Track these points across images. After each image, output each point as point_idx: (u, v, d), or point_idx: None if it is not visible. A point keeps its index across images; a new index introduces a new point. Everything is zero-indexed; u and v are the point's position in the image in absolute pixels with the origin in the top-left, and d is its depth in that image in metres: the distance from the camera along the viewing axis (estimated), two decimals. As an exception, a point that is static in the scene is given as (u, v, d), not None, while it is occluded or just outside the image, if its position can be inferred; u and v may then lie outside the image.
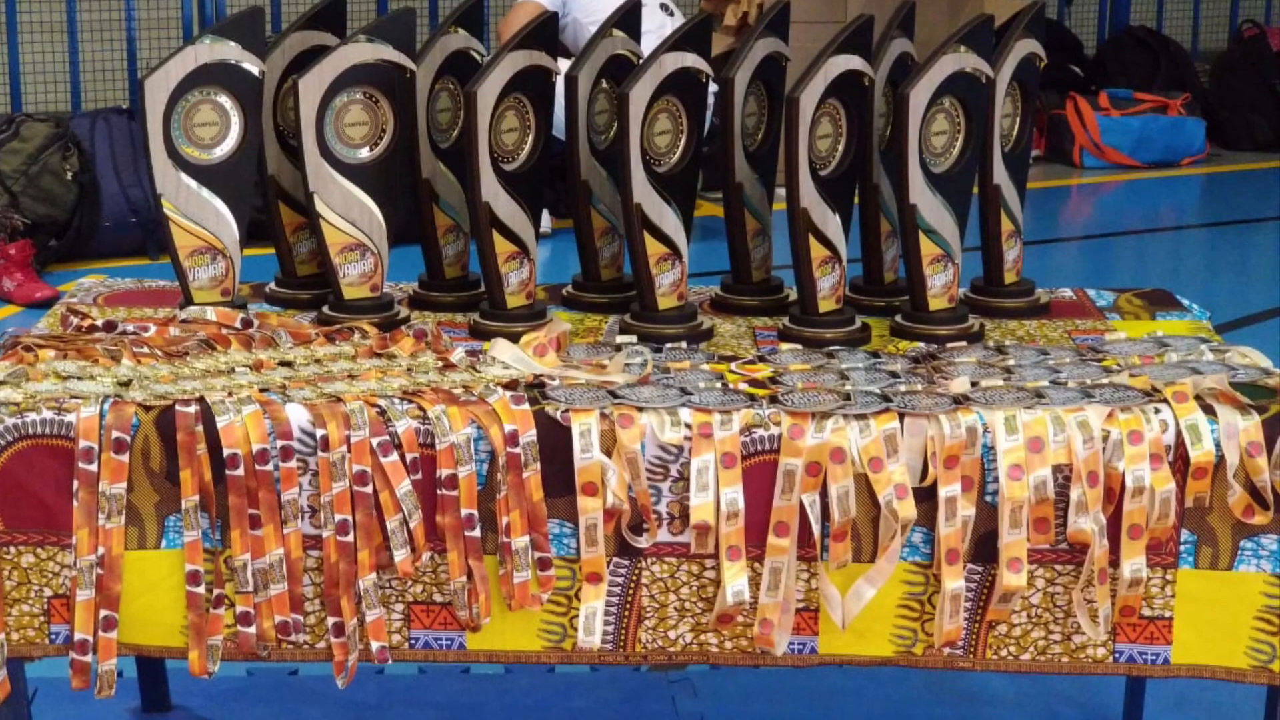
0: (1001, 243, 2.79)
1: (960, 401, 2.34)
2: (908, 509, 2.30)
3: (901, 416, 2.32)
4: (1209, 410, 2.34)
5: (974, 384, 2.41)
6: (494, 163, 2.60)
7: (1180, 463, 2.32)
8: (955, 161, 2.66)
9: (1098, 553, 2.32)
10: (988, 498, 2.33)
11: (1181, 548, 2.35)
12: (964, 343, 2.64)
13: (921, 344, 2.64)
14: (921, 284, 2.67)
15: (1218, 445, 2.32)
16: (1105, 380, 2.43)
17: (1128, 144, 8.85)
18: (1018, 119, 2.80)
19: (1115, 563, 2.33)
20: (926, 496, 2.32)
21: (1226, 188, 8.63)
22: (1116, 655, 2.39)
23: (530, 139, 2.69)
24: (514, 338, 2.54)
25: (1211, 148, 9.17)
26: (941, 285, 2.68)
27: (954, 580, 2.33)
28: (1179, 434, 2.32)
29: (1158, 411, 2.34)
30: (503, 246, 2.64)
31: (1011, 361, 2.53)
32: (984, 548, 2.34)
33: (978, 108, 2.66)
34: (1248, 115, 9.40)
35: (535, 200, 2.68)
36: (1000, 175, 2.75)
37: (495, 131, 2.61)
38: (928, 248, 2.65)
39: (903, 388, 2.40)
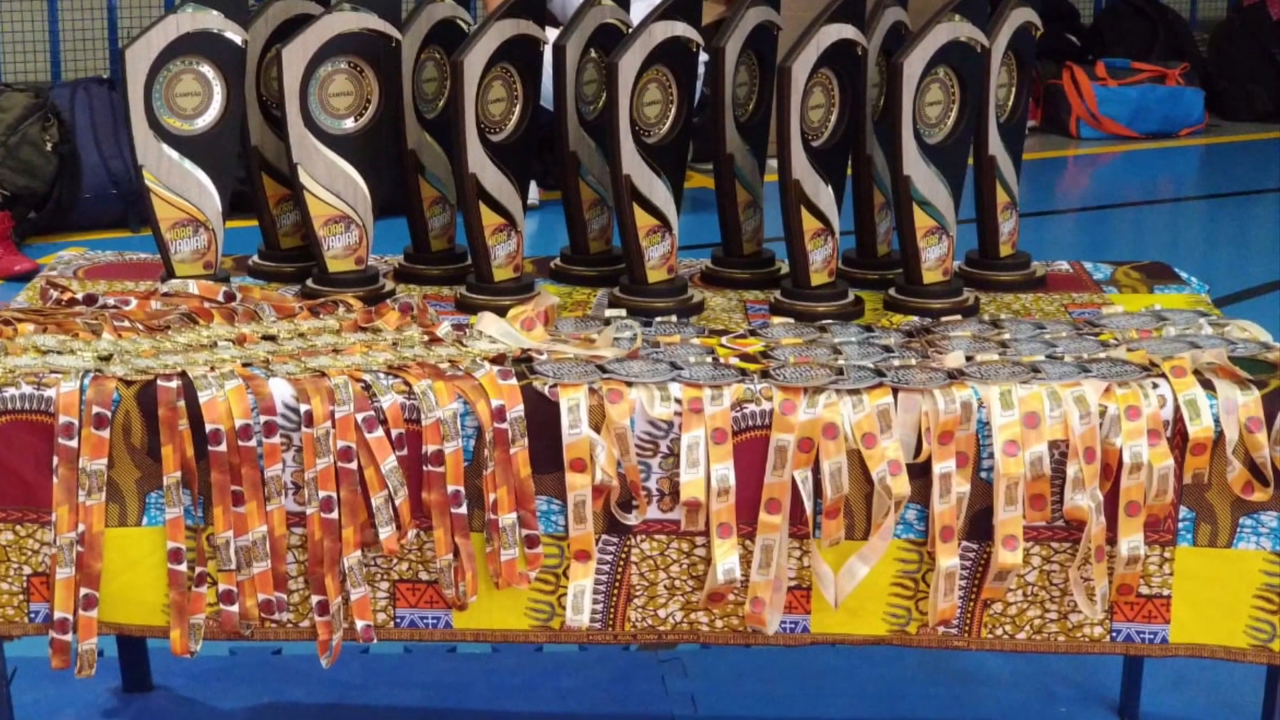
0: (997, 215, 2.78)
1: (955, 376, 2.32)
2: (901, 485, 2.28)
3: (895, 391, 2.29)
4: (1208, 385, 2.32)
5: (969, 358, 2.39)
6: (481, 133, 2.58)
7: (1179, 438, 2.30)
8: (950, 132, 2.64)
9: (1094, 530, 2.30)
10: (983, 474, 2.31)
11: (1180, 525, 2.33)
12: (959, 316, 2.62)
13: (915, 318, 2.62)
14: (915, 257, 2.64)
15: (1216, 421, 2.29)
16: (1102, 355, 2.41)
17: (1125, 114, 8.82)
18: (1013, 89, 2.78)
19: (1112, 540, 2.32)
20: (920, 473, 2.30)
21: (1225, 159, 8.60)
22: (1114, 634, 2.38)
23: (518, 109, 2.67)
24: (501, 311, 2.52)
25: (1210, 118, 9.13)
26: (936, 258, 2.65)
27: (948, 558, 2.31)
28: (1177, 409, 2.30)
29: (1155, 386, 2.31)
30: (490, 218, 2.61)
31: (1007, 335, 2.50)
32: (979, 525, 2.32)
33: (973, 78, 2.64)
34: (1247, 85, 9.37)
35: (523, 172, 2.66)
36: (995, 146, 2.73)
37: (482, 102, 2.58)
38: (922, 220, 2.62)
39: (896, 362, 2.38)
